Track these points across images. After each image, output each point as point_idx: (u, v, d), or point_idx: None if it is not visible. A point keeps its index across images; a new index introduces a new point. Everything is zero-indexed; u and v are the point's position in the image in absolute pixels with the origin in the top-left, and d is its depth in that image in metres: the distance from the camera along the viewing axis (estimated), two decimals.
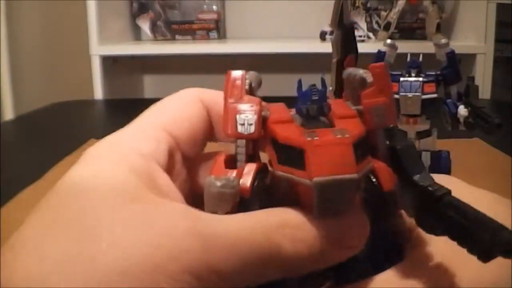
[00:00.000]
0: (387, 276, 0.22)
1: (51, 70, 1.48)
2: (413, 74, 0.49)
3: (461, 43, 1.34)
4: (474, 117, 0.45)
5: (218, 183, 0.20)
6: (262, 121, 0.22)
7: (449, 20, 1.42)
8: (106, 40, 1.32)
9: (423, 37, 1.42)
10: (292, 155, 0.20)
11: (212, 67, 1.47)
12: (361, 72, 0.23)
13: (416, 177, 0.21)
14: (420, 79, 0.48)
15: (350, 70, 0.24)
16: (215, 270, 0.18)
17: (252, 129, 0.22)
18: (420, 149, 0.50)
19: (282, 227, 0.20)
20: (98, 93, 1.30)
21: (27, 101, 1.34)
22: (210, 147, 0.27)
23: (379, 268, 0.23)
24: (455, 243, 0.20)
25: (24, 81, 1.40)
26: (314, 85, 0.22)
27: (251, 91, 0.23)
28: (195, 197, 0.24)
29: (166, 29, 1.50)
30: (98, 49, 1.29)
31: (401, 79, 0.48)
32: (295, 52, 1.38)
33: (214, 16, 1.49)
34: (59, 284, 0.18)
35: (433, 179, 0.21)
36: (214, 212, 0.20)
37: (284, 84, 1.49)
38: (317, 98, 0.21)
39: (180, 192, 0.23)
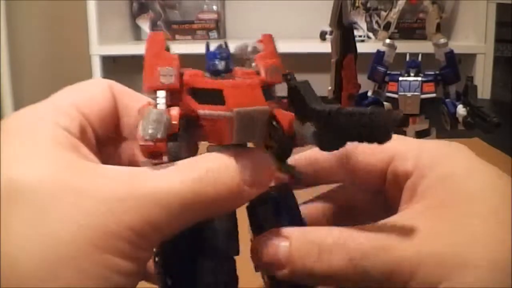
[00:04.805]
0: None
1: (51, 70, 1.48)
2: (412, 74, 0.49)
3: (461, 43, 1.34)
4: (472, 117, 0.45)
5: (157, 109, 0.23)
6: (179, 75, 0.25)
7: (449, 20, 1.42)
8: (106, 40, 1.32)
9: (423, 37, 1.42)
10: (211, 97, 0.23)
11: None
12: (251, 43, 0.27)
13: (313, 105, 0.24)
14: (419, 78, 0.48)
15: (239, 45, 0.28)
16: (151, 225, 0.21)
17: (173, 79, 0.24)
18: None
19: (206, 172, 0.22)
20: None
21: (27, 101, 1.34)
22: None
23: None
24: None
25: (24, 81, 1.40)
26: (221, 45, 0.25)
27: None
28: None
29: (166, 29, 1.50)
30: (98, 49, 1.29)
31: (400, 78, 0.49)
32: (295, 52, 1.38)
33: (214, 16, 1.49)
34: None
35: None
36: (153, 136, 0.22)
37: (283, 83, 1.49)
38: (225, 55, 0.25)
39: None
